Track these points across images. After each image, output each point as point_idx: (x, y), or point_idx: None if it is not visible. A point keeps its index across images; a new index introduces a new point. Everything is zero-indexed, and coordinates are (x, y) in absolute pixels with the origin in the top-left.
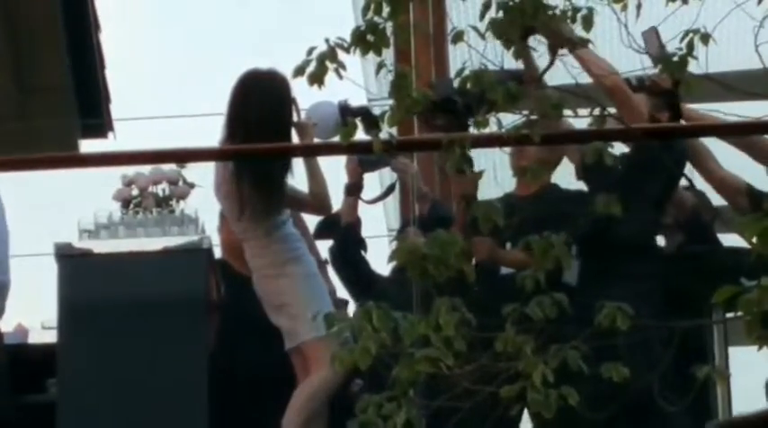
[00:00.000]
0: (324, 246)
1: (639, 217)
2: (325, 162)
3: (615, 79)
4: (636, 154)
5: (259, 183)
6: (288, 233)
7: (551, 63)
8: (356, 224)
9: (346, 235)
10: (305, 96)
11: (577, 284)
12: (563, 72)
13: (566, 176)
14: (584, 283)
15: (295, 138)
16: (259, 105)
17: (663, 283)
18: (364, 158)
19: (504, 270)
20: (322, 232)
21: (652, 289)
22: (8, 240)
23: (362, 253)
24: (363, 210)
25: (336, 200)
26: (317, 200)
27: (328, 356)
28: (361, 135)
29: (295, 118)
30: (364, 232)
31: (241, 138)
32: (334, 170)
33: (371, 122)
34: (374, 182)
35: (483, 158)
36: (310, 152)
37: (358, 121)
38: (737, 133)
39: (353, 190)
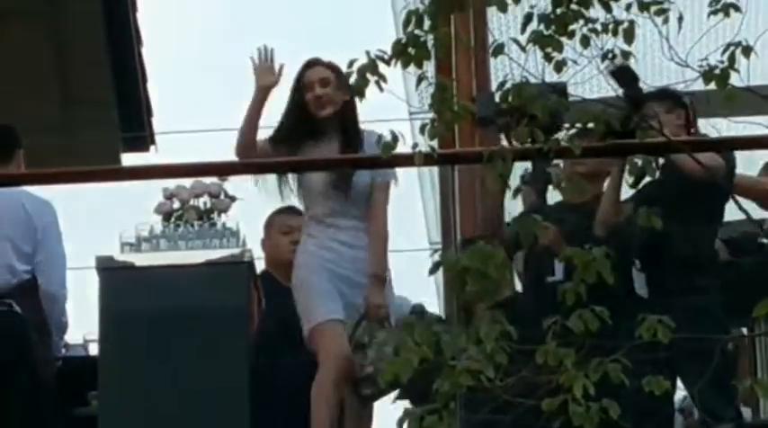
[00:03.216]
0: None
1: (697, 230)
2: None
3: None
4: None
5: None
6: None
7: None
8: None
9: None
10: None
11: (648, 296)
12: (605, 84)
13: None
14: (652, 296)
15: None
16: None
17: (722, 296)
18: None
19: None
20: None
21: (712, 302)
22: (65, 255)
23: None
24: (403, 224)
25: None
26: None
27: (330, 343)
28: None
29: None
30: (404, 245)
31: None
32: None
33: None
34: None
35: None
36: (351, 164)
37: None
38: None
39: None
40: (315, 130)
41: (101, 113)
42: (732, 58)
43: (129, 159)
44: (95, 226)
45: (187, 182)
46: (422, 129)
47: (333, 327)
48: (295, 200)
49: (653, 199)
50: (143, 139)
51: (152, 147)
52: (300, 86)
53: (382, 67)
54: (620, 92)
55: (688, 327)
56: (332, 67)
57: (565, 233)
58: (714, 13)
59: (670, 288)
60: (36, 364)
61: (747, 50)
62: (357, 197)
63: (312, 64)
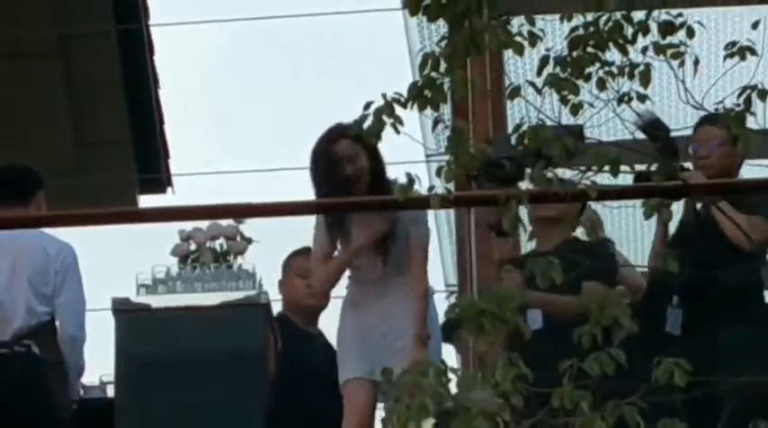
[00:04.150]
0: None
1: (743, 263)
2: None
3: None
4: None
5: None
6: None
7: None
8: None
9: None
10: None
11: (682, 334)
12: (621, 127)
13: None
14: (690, 332)
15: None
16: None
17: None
18: None
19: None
20: None
21: (759, 333)
22: (84, 298)
23: None
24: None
25: None
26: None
27: (353, 402)
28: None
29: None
30: None
31: None
32: None
33: None
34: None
35: None
36: (363, 207)
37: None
38: None
39: None
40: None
41: (117, 155)
42: (748, 101)
43: (145, 201)
44: (112, 267)
45: (203, 224)
46: (438, 172)
47: (355, 386)
48: None
49: (695, 233)
50: (159, 181)
51: (169, 189)
52: (331, 160)
53: (398, 110)
54: (638, 135)
55: (729, 362)
56: (356, 140)
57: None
58: (730, 56)
59: (711, 322)
60: (53, 406)
61: (763, 94)
62: (394, 260)
63: (335, 138)
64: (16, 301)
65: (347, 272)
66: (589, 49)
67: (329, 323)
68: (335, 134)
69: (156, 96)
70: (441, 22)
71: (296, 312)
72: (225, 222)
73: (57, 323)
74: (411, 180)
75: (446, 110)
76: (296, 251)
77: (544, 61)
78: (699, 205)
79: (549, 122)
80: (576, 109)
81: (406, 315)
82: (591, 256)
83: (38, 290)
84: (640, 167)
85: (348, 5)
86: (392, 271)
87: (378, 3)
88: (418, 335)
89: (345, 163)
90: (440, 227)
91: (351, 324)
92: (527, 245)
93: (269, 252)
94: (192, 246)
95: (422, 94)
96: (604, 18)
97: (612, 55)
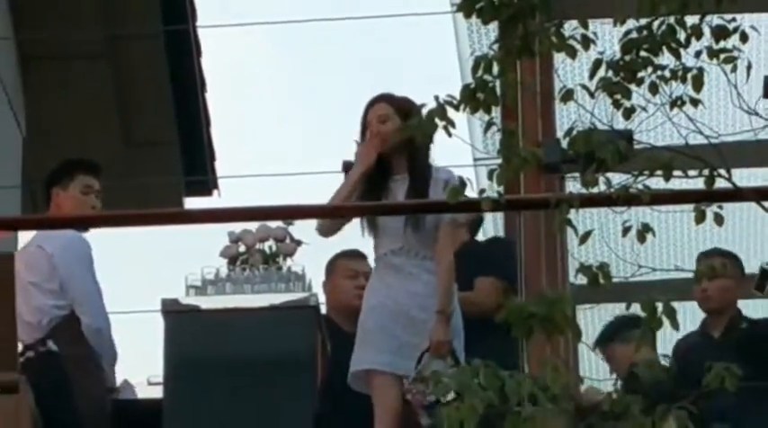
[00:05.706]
0: None
1: None
2: None
3: None
4: None
5: None
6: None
7: None
8: None
9: None
10: None
11: None
12: (673, 131)
13: None
14: None
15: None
16: None
17: None
18: None
19: None
20: None
21: None
22: (98, 285)
23: None
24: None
25: None
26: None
27: (385, 398)
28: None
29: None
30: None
31: None
32: None
33: None
34: None
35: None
36: (411, 209)
37: None
38: None
39: None
40: (385, 168)
41: (164, 157)
42: None
43: (191, 203)
44: (161, 268)
45: (253, 226)
46: (490, 175)
47: (385, 380)
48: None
49: None
50: (206, 184)
51: (215, 192)
52: (365, 125)
53: (450, 113)
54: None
55: None
56: (393, 103)
57: None
58: None
59: None
60: (80, 400)
61: None
62: (425, 234)
63: (374, 101)
64: (27, 304)
65: (378, 253)
66: (642, 53)
67: None
68: (376, 98)
69: (203, 98)
70: (491, 26)
71: (341, 314)
72: (274, 224)
73: (80, 318)
74: (463, 183)
75: (496, 113)
76: (342, 252)
77: (597, 64)
78: None
79: (599, 126)
80: (628, 113)
81: (425, 307)
82: (493, 252)
83: (42, 288)
84: (692, 172)
85: (397, 9)
86: (424, 254)
87: (427, 6)
88: (440, 311)
89: (375, 123)
90: (487, 229)
91: (375, 304)
92: (575, 248)
93: (318, 254)
94: (242, 248)
95: (474, 97)
96: (658, 22)
97: (665, 59)
